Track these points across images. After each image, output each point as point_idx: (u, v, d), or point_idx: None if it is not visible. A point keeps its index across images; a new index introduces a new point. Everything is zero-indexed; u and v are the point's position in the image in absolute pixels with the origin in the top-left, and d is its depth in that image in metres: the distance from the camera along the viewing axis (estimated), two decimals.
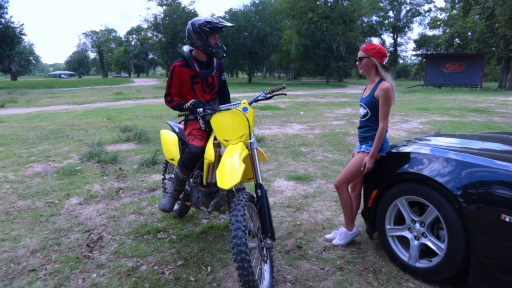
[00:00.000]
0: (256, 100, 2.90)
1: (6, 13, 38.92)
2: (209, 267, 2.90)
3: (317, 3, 43.54)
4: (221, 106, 2.83)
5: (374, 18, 62.00)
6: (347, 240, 3.27)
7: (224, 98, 3.39)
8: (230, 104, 2.83)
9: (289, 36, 48.10)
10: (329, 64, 43.71)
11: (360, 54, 2.99)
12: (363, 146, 3.09)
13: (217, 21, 2.94)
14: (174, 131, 3.46)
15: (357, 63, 3.04)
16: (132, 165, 5.79)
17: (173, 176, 3.66)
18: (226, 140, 2.70)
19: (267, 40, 42.54)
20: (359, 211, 3.44)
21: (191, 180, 3.14)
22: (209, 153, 2.78)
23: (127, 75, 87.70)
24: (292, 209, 4.10)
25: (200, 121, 2.90)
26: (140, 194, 4.58)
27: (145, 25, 59.57)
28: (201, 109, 2.78)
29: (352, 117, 11.82)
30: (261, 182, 2.61)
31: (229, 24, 2.97)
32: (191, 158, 2.90)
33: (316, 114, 12.59)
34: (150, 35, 62.75)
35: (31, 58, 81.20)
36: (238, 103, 2.77)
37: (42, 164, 5.93)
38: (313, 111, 13.52)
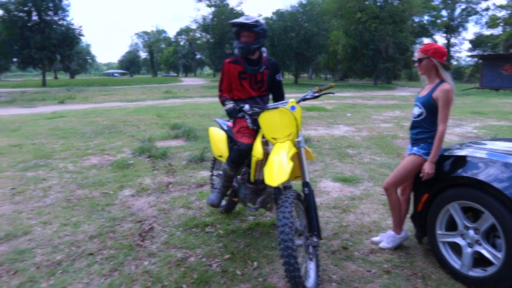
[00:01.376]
0: (304, 99, 2.92)
1: (67, 15, 41.30)
2: (255, 262, 2.96)
3: (366, 2, 42.55)
4: (269, 105, 2.88)
5: (426, 17, 59.57)
6: (395, 244, 3.21)
7: (278, 97, 3.43)
8: (278, 102, 2.87)
9: (337, 36, 47.37)
10: (377, 65, 42.54)
11: (419, 55, 2.92)
12: (415, 148, 3.02)
13: (239, 19, 3.07)
14: (222, 128, 3.55)
15: (416, 64, 2.97)
16: (181, 161, 5.99)
17: (221, 172, 3.75)
18: (274, 138, 2.74)
19: (314, 41, 42.16)
20: (408, 215, 3.36)
21: (238, 177, 3.22)
22: (257, 150, 2.84)
23: (176, 74, 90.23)
24: (338, 210, 4.07)
25: (248, 120, 2.96)
26: (188, 189, 4.73)
27: (194, 26, 61.04)
28: (248, 107, 2.84)
29: (401, 120, 11.46)
30: (308, 180, 2.63)
31: (246, 21, 3.02)
32: (240, 155, 2.98)
33: (363, 116, 12.35)
34: (199, 35, 64.16)
35: (88, 57, 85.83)
36: (286, 102, 2.81)
37: (98, 157, 6.27)
38: (360, 113, 13.26)
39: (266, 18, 49.16)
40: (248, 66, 3.19)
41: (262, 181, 2.96)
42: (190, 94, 23.50)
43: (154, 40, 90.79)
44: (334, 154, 6.67)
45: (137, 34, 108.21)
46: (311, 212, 2.54)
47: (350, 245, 3.28)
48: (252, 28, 3.05)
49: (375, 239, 3.34)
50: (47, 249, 3.19)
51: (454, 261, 2.80)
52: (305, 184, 2.61)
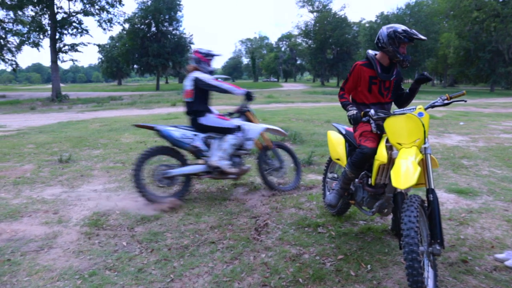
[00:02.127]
0: (433, 106, 2.89)
1: (180, 25, 45.22)
2: (368, 265, 3.00)
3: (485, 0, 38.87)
4: (395, 110, 2.90)
5: None
6: None
7: (400, 106, 3.46)
8: (405, 108, 2.88)
9: (447, 39, 44.08)
10: (496, 69, 38.51)
11: None
12: None
13: (413, 32, 3.06)
14: (340, 132, 3.66)
15: None
16: (289, 164, 6.17)
17: (335, 175, 3.86)
18: (399, 144, 2.77)
19: (421, 44, 39.83)
20: None
21: (356, 180, 3.28)
22: (382, 154, 2.89)
23: (276, 79, 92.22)
24: (455, 222, 3.88)
25: (373, 124, 3.02)
26: (298, 190, 4.91)
27: (295, 32, 61.86)
28: (373, 112, 2.90)
29: None
30: (433, 187, 2.61)
31: (423, 38, 3.06)
32: (362, 158, 3.05)
33: (479, 125, 11.36)
34: (300, 41, 64.82)
35: None
36: (413, 108, 2.81)
37: None
38: (475, 122, 12.21)
39: (370, 22, 47.80)
40: (381, 72, 3.25)
41: (382, 185, 3.00)
42: (291, 99, 23.92)
43: (256, 46, 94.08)
44: (447, 164, 6.30)
45: (240, 41, 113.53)
46: (435, 219, 2.51)
47: (469, 259, 3.12)
48: (413, 41, 3.12)
49: (500, 256, 3.13)
50: (175, 234, 3.62)
51: None
52: (430, 191, 2.60)
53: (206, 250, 3.29)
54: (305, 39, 57.65)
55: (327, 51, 53.16)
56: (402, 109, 2.89)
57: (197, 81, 4.51)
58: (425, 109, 2.81)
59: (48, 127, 11.28)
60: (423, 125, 2.70)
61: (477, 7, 38.47)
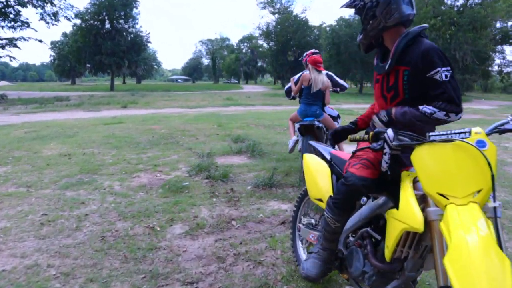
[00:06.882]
0: (502, 131, 1.61)
1: (137, 23, 42.93)
2: None
3: (442, 8, 39.52)
4: (432, 134, 1.61)
5: (510, 23, 54.21)
6: None
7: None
8: (449, 131, 1.57)
9: None
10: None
11: None
12: None
13: None
14: (323, 157, 2.36)
15: None
16: (245, 186, 4.88)
17: (312, 220, 2.57)
18: (443, 195, 1.49)
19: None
20: None
21: (351, 239, 2.01)
22: (411, 215, 1.56)
23: (237, 81, 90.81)
24: None
25: (386, 155, 1.70)
26: (255, 227, 3.60)
27: (257, 33, 60.69)
28: (391, 134, 1.65)
29: (501, 140, 9.50)
30: None
31: None
32: (348, 194, 1.82)
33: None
34: (261, 42, 63.91)
35: (154, 64, 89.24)
36: (467, 132, 1.53)
37: (149, 175, 5.38)
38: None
39: (330, 26, 47.69)
40: (379, 62, 2.02)
41: (402, 259, 1.72)
42: (252, 102, 22.70)
43: (217, 48, 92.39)
44: None
45: (201, 41, 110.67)
46: None
47: None
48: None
49: None
50: None
51: None
52: None
53: None
54: (266, 41, 56.69)
55: (288, 53, 52.48)
56: (444, 132, 1.58)
57: (330, 77, 5.47)
58: (488, 134, 1.56)
59: None
60: (488, 164, 1.45)
61: (436, 15, 39.10)
